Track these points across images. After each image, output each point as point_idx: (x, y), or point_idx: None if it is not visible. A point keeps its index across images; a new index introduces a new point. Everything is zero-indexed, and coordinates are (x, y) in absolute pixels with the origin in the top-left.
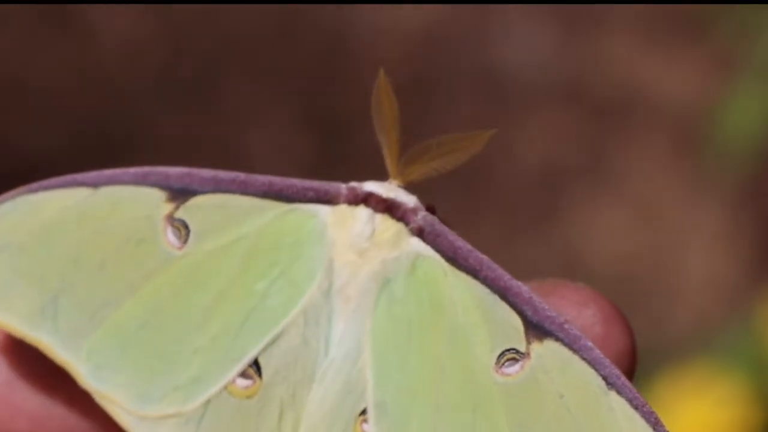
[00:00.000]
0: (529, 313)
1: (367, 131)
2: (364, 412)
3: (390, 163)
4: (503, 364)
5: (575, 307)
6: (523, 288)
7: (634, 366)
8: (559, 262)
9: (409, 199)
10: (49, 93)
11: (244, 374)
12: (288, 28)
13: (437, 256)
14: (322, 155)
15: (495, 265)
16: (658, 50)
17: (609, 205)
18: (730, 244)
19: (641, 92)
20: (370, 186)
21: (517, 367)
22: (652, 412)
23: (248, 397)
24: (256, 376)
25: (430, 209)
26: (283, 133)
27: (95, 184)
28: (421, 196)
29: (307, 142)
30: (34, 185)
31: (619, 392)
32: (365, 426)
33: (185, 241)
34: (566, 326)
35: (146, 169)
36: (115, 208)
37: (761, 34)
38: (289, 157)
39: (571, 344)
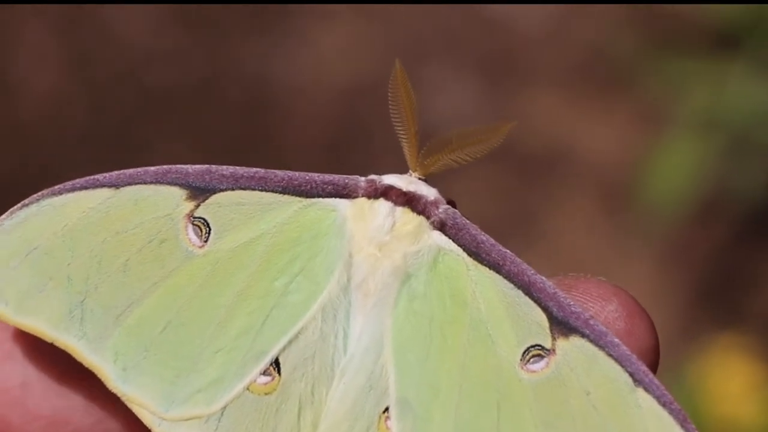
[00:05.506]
0: (554, 308)
1: None
2: (387, 409)
3: (409, 155)
4: (528, 360)
5: (597, 302)
6: (547, 283)
7: (658, 362)
8: None
9: (429, 192)
10: None
11: (263, 371)
12: (208, 85)
13: (459, 250)
14: None
15: (519, 260)
16: (584, 107)
17: (536, 265)
18: (659, 301)
19: (567, 150)
20: (390, 179)
21: (542, 363)
22: (681, 410)
23: (267, 393)
24: (275, 373)
25: (451, 203)
26: None
27: (117, 185)
28: None
29: None
30: (58, 187)
31: (646, 389)
32: (389, 423)
33: (206, 239)
34: (591, 322)
35: (166, 167)
36: (136, 207)
37: (686, 91)
38: None
39: (597, 340)
